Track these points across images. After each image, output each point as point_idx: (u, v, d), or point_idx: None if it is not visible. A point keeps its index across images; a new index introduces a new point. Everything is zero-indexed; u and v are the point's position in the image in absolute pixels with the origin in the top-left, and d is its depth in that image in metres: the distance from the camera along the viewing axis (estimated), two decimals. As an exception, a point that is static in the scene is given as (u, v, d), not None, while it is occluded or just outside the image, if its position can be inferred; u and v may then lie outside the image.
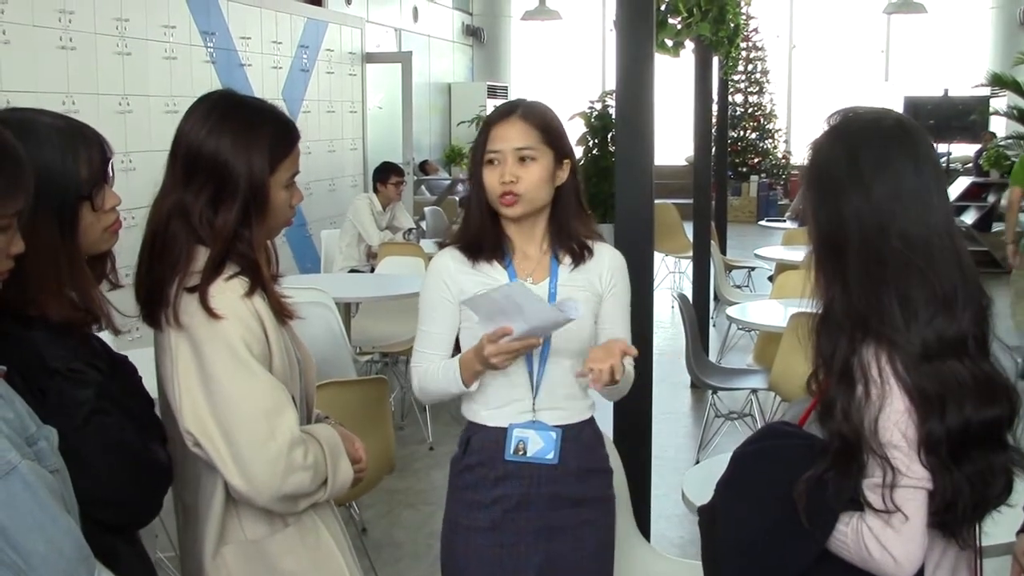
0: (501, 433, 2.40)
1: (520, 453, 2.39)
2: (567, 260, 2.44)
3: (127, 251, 2.02)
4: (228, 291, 1.95)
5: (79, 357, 1.79)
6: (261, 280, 2.00)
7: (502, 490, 2.40)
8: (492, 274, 2.41)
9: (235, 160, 1.98)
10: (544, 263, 2.44)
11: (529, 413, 2.40)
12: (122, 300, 1.96)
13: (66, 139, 1.83)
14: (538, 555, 2.41)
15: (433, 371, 2.43)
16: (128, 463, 1.82)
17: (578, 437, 2.44)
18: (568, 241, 2.44)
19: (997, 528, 1.87)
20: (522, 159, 2.36)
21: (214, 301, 1.93)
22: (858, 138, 1.80)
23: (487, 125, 2.43)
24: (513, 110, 2.41)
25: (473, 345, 2.33)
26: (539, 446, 2.39)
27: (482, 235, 2.42)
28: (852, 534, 1.74)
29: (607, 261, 2.47)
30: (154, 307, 1.98)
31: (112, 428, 1.79)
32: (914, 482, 1.70)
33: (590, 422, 2.48)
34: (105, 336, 2.06)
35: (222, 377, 1.92)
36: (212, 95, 2.08)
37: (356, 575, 2.13)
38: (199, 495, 2.02)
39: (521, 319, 2.21)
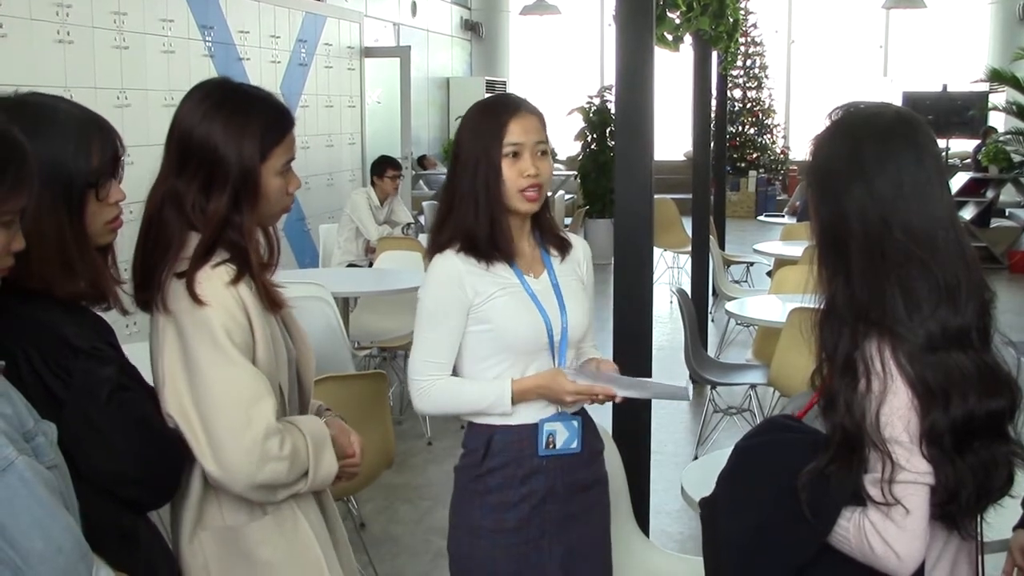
0: (527, 430, 2.39)
1: (551, 447, 2.40)
2: (555, 252, 2.48)
3: (128, 245, 2.03)
4: (214, 278, 1.96)
5: (98, 336, 1.82)
6: (249, 268, 2.00)
7: (530, 487, 2.39)
8: (501, 272, 2.37)
9: (225, 147, 1.99)
10: (537, 257, 2.46)
11: (553, 406, 2.40)
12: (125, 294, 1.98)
13: (81, 127, 1.86)
14: (560, 546, 2.42)
15: (460, 392, 2.38)
16: (152, 439, 1.84)
17: (589, 422, 2.49)
18: (549, 234, 2.48)
19: (1000, 520, 1.87)
20: (539, 152, 2.36)
21: (200, 288, 1.94)
22: (860, 132, 1.80)
23: (501, 118, 2.33)
24: (519, 104, 2.40)
25: (534, 376, 2.35)
26: (565, 436, 2.41)
27: (496, 234, 2.34)
28: (854, 529, 1.74)
29: (581, 251, 2.55)
30: (148, 292, 1.99)
31: (135, 404, 1.82)
32: (914, 476, 1.70)
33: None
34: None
35: (202, 364, 1.93)
36: (208, 82, 2.10)
37: (336, 568, 2.12)
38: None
39: (635, 391, 2.40)
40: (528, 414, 2.39)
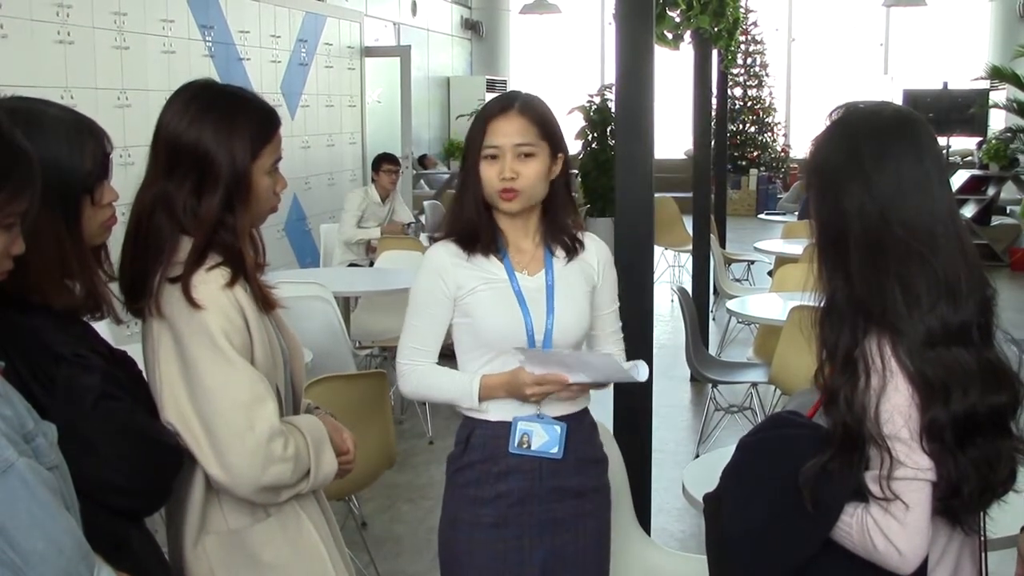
0: (504, 427, 2.39)
1: (524, 446, 2.37)
2: (560, 253, 2.45)
3: (119, 248, 2.02)
4: (210, 281, 1.95)
5: (83, 343, 1.80)
6: (244, 270, 2.00)
7: (506, 485, 2.39)
8: (488, 267, 2.40)
9: (217, 149, 1.98)
10: (538, 256, 2.44)
11: (533, 406, 2.38)
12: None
13: (72, 132, 1.84)
14: (542, 549, 2.40)
15: (436, 378, 2.42)
16: (139, 447, 1.82)
17: (580, 427, 2.44)
18: (560, 234, 2.45)
19: (1004, 517, 1.87)
20: (521, 155, 2.35)
21: (196, 292, 1.93)
22: (859, 130, 1.80)
23: (484, 119, 2.39)
24: (511, 104, 2.38)
25: (502, 373, 2.35)
26: (543, 440, 2.38)
27: (477, 228, 2.39)
28: (856, 525, 1.74)
29: (595, 252, 2.49)
30: (138, 298, 1.98)
31: (121, 412, 1.80)
32: (914, 472, 1.70)
33: (587, 412, 2.49)
34: (104, 332, 2.06)
35: (202, 368, 1.92)
36: (191, 85, 2.08)
37: (340, 567, 2.12)
38: (180, 484, 2.02)
39: (584, 373, 2.32)
40: (505, 411, 2.39)
